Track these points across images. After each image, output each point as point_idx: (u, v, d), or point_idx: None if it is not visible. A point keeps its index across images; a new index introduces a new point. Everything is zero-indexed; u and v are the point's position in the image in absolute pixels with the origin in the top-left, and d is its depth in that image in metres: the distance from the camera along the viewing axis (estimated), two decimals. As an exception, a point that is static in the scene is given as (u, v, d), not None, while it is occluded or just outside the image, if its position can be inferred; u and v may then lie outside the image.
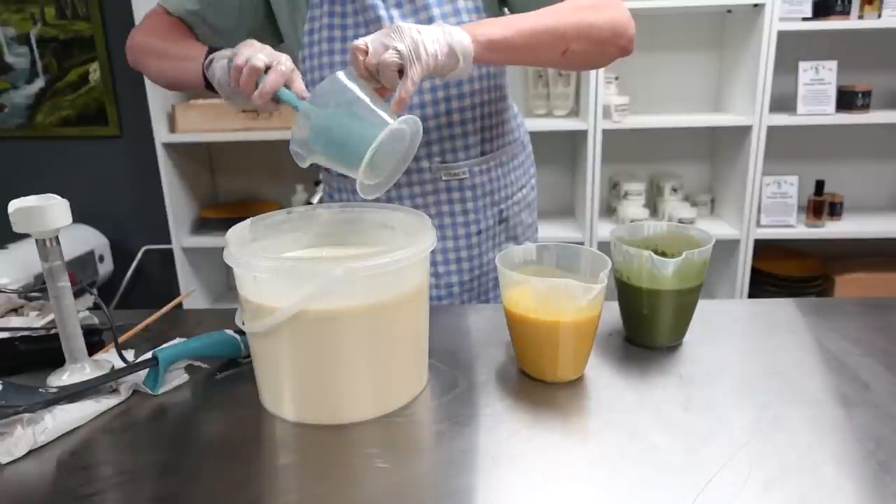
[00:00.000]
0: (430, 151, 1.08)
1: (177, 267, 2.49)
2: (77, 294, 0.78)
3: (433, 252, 1.09)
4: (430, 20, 1.01)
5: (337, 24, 1.04)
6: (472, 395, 0.76)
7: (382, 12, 1.02)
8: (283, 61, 0.84)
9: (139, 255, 2.81)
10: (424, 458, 0.67)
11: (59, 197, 0.72)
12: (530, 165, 1.26)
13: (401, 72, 0.81)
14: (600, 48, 0.97)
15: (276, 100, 0.83)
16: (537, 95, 2.47)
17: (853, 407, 0.71)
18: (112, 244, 2.72)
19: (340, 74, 0.79)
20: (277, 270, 0.67)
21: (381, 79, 0.82)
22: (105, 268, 2.66)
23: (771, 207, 2.39)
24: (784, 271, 2.48)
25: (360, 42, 0.81)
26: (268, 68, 0.83)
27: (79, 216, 1.41)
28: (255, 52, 0.84)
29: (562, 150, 2.62)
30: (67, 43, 2.64)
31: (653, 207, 2.57)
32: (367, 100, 0.78)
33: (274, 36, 1.14)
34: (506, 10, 1.10)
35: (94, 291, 0.84)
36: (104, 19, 2.61)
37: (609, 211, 2.63)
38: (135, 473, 0.63)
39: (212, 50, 0.96)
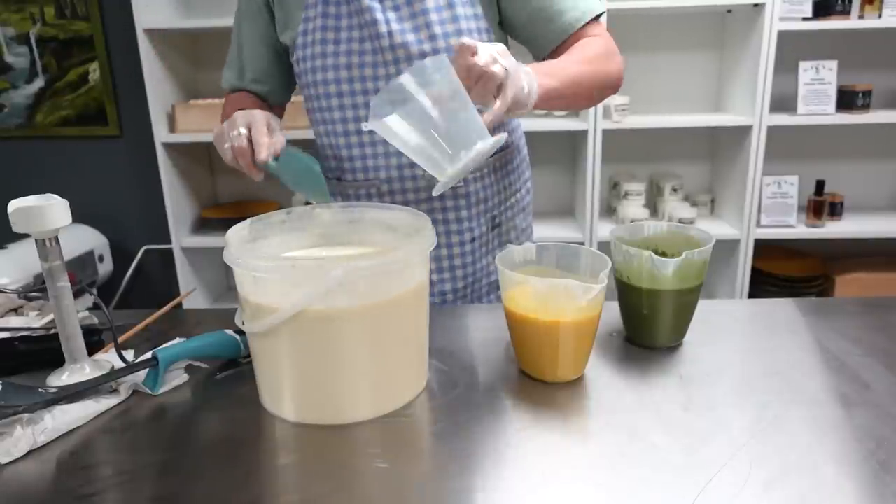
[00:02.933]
0: None
1: (177, 267, 2.49)
2: (77, 294, 0.78)
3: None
4: (427, 26, 1.01)
5: (331, 25, 1.04)
6: (472, 395, 0.76)
7: (379, 15, 1.01)
8: (242, 136, 0.92)
9: (139, 255, 2.81)
10: (424, 458, 0.67)
11: (58, 197, 0.72)
12: (525, 169, 1.24)
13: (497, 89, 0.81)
14: (608, 92, 1.06)
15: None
16: (537, 95, 2.47)
17: (853, 407, 0.71)
18: (112, 244, 2.72)
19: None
20: (277, 270, 0.67)
21: (476, 86, 0.80)
22: (105, 268, 2.66)
23: (771, 207, 2.39)
24: (784, 271, 2.48)
25: (470, 42, 0.80)
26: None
27: (79, 216, 1.41)
28: (226, 140, 0.93)
29: (562, 150, 2.62)
30: (67, 43, 2.64)
31: (653, 207, 2.57)
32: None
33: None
34: (499, 8, 1.09)
35: (94, 291, 0.84)
36: (104, 19, 2.61)
37: (609, 211, 2.63)
38: (135, 473, 0.63)
39: None
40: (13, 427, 0.66)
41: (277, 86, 1.19)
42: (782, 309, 0.99)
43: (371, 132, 1.03)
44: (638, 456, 0.63)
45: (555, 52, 1.07)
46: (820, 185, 2.37)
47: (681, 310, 0.85)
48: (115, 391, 0.76)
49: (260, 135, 0.91)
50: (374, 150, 1.08)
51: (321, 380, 0.71)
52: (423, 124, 0.78)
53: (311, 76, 1.06)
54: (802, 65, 2.27)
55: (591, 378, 0.79)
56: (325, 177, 1.13)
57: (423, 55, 1.01)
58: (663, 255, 0.84)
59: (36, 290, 0.94)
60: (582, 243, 2.38)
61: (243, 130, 0.92)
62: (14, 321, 0.94)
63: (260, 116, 0.94)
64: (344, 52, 1.04)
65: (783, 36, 2.19)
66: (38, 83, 2.69)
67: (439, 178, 0.80)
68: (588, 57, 1.01)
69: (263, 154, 0.89)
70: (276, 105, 1.22)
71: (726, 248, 2.44)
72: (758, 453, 0.63)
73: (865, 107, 2.27)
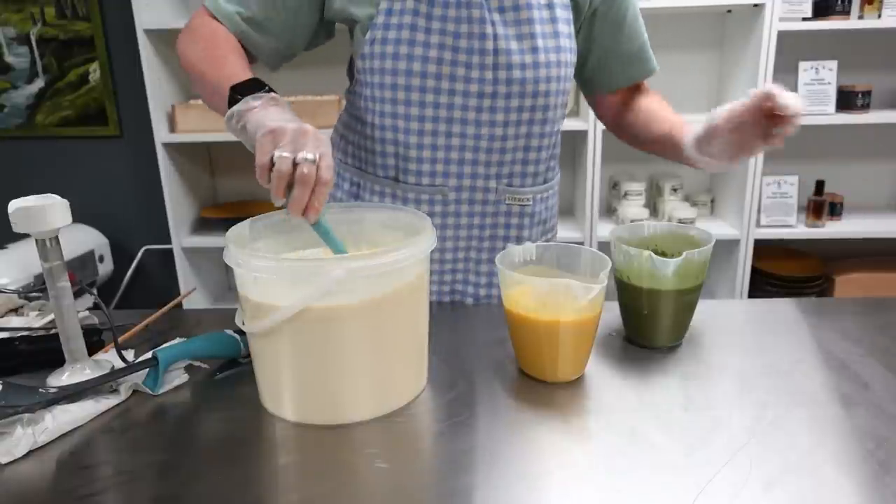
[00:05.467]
0: (500, 172, 1.03)
1: (177, 267, 2.49)
2: (77, 294, 0.78)
3: (478, 274, 1.09)
4: (531, 36, 0.96)
5: (423, 11, 0.94)
6: (472, 395, 0.76)
7: (486, 14, 0.94)
8: (323, 171, 0.69)
9: (139, 255, 2.81)
10: (424, 458, 0.67)
11: (59, 197, 0.72)
12: None
13: None
14: None
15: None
16: (537, 95, 2.47)
17: (853, 407, 0.71)
18: (112, 244, 2.72)
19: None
20: (277, 270, 0.67)
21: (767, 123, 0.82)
22: (105, 268, 2.66)
23: (771, 207, 2.39)
24: (784, 271, 2.48)
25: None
26: (294, 165, 0.69)
27: (79, 216, 1.41)
28: (282, 151, 0.69)
29: (562, 150, 2.61)
30: (67, 43, 2.64)
31: (653, 207, 2.57)
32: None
33: (324, 31, 1.05)
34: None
35: (94, 291, 0.84)
36: (104, 19, 2.61)
37: (609, 211, 2.63)
38: (135, 473, 0.63)
39: (235, 90, 0.82)
40: (13, 427, 0.66)
41: (281, 51, 1.02)
42: (782, 309, 0.99)
43: (448, 135, 0.99)
44: (638, 456, 0.63)
45: (617, 93, 1.16)
46: (820, 185, 2.37)
47: (681, 310, 0.85)
48: (115, 391, 0.76)
49: (321, 190, 0.70)
50: (447, 154, 1.00)
51: (321, 380, 0.71)
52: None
53: (389, 63, 0.95)
54: (802, 65, 2.27)
55: (591, 378, 0.79)
56: (376, 176, 1.06)
57: (523, 66, 0.96)
58: (663, 255, 0.84)
59: (36, 290, 0.94)
60: (582, 243, 2.38)
61: (287, 154, 0.69)
62: (14, 321, 0.94)
63: (329, 154, 0.72)
64: (436, 45, 0.94)
65: (783, 36, 2.19)
66: (39, 83, 2.69)
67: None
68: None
69: (311, 217, 0.71)
70: (265, 64, 1.03)
71: (726, 248, 2.44)
72: (758, 453, 0.63)
73: (865, 107, 2.27)
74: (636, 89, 1.18)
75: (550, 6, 0.99)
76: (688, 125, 0.98)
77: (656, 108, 1.10)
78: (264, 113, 0.77)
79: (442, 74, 0.95)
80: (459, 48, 0.95)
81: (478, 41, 0.95)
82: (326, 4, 1.00)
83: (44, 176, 2.79)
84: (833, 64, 2.26)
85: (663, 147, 1.04)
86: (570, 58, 1.02)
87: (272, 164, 0.69)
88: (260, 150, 0.71)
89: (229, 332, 0.83)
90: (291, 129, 0.71)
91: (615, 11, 1.08)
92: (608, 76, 1.14)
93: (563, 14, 1.01)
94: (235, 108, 0.80)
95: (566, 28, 1.01)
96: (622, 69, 1.13)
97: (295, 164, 0.69)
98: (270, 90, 0.83)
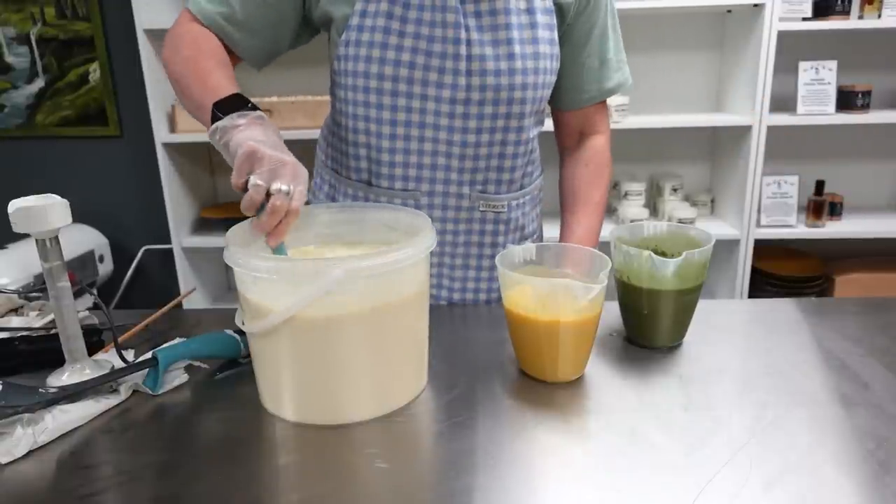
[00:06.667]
0: (473, 179, 1.02)
1: (177, 267, 2.49)
2: (77, 294, 0.78)
3: (451, 279, 1.08)
4: (508, 42, 0.95)
5: (397, 14, 0.93)
6: (472, 395, 0.76)
7: (461, 18, 0.93)
8: (294, 202, 0.72)
9: (139, 255, 2.81)
10: (424, 458, 0.67)
11: (58, 197, 0.72)
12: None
13: None
14: None
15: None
16: (537, 95, 2.47)
17: (853, 407, 0.71)
18: (112, 244, 2.72)
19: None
20: (277, 270, 0.67)
21: None
22: (105, 268, 2.66)
23: (771, 207, 2.39)
24: (784, 271, 2.48)
25: None
26: (268, 195, 0.72)
27: (79, 216, 1.41)
28: (257, 179, 0.72)
29: (562, 150, 2.62)
30: (67, 43, 2.64)
31: (653, 207, 2.57)
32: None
33: (308, 29, 1.04)
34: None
35: (94, 291, 0.84)
36: (104, 19, 2.61)
37: (609, 211, 2.63)
38: (135, 473, 0.63)
39: (218, 107, 0.82)
40: (13, 427, 0.66)
41: (266, 49, 1.01)
42: (782, 309, 0.99)
43: (421, 139, 0.99)
44: (638, 456, 0.63)
45: (573, 117, 1.13)
46: (820, 185, 2.37)
47: (681, 310, 0.85)
48: (115, 391, 0.76)
49: (289, 220, 0.73)
50: (419, 159, 1.00)
51: (321, 380, 0.71)
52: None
53: (362, 65, 0.94)
54: (802, 65, 2.27)
55: (591, 378, 0.79)
56: (349, 179, 1.07)
57: (497, 73, 0.95)
58: (663, 255, 0.84)
59: (36, 290, 0.94)
60: (582, 243, 2.37)
61: (261, 182, 0.72)
62: (14, 321, 0.94)
63: (303, 188, 0.74)
64: (409, 48, 0.93)
65: (783, 36, 2.19)
66: (39, 83, 2.69)
67: None
68: (605, 185, 1.16)
69: (273, 242, 0.74)
70: (250, 63, 1.03)
71: (726, 248, 2.44)
72: (758, 453, 0.63)
73: (865, 107, 2.27)
74: (588, 138, 1.15)
75: (531, 11, 0.97)
76: (572, 229, 1.11)
77: (581, 185, 1.15)
78: (248, 132, 0.78)
79: (414, 79, 0.95)
80: (433, 52, 0.94)
81: (451, 46, 0.93)
82: (312, 4, 0.99)
83: (44, 176, 2.79)
84: (833, 64, 2.26)
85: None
86: (550, 65, 1.00)
87: (246, 186, 0.73)
88: (237, 171, 0.73)
89: (229, 332, 0.83)
90: (270, 157, 0.73)
91: (583, 22, 1.03)
92: (565, 91, 1.09)
93: (545, 20, 0.98)
94: (220, 123, 0.80)
95: (547, 34, 0.98)
96: (581, 84, 1.08)
97: (268, 194, 0.72)
98: (255, 107, 0.83)
